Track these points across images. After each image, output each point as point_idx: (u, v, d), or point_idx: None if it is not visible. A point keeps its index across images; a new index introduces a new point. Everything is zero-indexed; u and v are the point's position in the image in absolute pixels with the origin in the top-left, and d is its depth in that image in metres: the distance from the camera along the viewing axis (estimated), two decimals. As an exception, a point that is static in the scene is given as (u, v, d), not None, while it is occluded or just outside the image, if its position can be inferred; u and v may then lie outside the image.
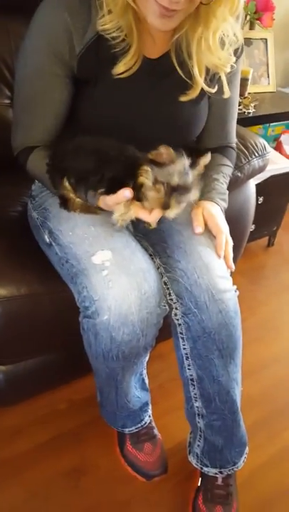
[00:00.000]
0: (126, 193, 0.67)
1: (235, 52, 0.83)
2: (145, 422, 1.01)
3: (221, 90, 0.85)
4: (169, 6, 0.66)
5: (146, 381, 1.04)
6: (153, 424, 1.05)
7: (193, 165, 0.69)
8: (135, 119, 0.68)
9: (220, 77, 0.83)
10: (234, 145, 1.00)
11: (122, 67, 0.75)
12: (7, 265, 0.87)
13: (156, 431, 1.04)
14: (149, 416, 1.03)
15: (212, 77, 0.83)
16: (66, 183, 0.75)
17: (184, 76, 0.81)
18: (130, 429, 1.00)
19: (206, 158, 0.71)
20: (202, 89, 0.82)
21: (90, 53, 0.76)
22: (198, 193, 0.71)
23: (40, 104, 0.80)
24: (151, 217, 0.70)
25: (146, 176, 0.68)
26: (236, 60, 0.84)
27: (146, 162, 0.68)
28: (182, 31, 0.77)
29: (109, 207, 0.72)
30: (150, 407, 1.04)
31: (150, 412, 1.04)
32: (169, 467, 1.01)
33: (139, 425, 1.00)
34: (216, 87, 0.84)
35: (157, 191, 0.67)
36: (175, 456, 1.03)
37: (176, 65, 0.80)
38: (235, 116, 0.97)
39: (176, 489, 0.99)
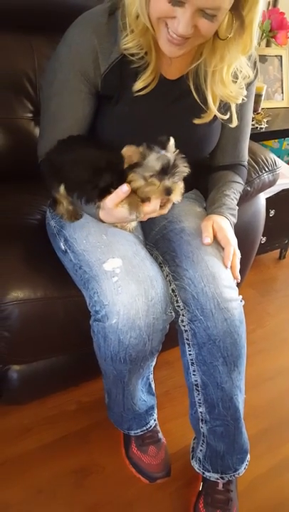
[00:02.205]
0: (124, 188, 0.69)
1: (248, 85, 0.87)
2: (150, 426, 1.04)
3: (231, 117, 0.89)
4: (177, 35, 0.71)
5: (153, 386, 1.07)
6: (158, 428, 1.07)
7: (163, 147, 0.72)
8: (150, 135, 0.72)
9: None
10: (246, 163, 1.03)
11: (140, 84, 0.81)
12: (25, 270, 0.91)
13: (160, 435, 1.07)
14: (155, 420, 1.06)
15: (225, 104, 0.87)
16: (61, 188, 0.81)
17: (199, 101, 0.85)
18: (136, 431, 1.03)
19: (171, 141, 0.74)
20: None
21: (113, 73, 0.81)
22: (185, 167, 0.73)
23: (65, 118, 0.85)
24: (163, 209, 0.74)
25: (136, 179, 0.71)
26: (250, 85, 0.88)
27: (128, 170, 0.71)
28: (201, 59, 0.81)
29: (112, 215, 0.74)
30: (156, 411, 1.06)
31: (156, 416, 1.06)
32: (172, 471, 1.03)
33: (145, 428, 1.03)
34: (229, 113, 0.88)
35: (152, 183, 0.70)
36: (178, 460, 1.06)
37: (192, 89, 0.85)
38: (248, 136, 1.01)
39: (178, 492, 1.01)
